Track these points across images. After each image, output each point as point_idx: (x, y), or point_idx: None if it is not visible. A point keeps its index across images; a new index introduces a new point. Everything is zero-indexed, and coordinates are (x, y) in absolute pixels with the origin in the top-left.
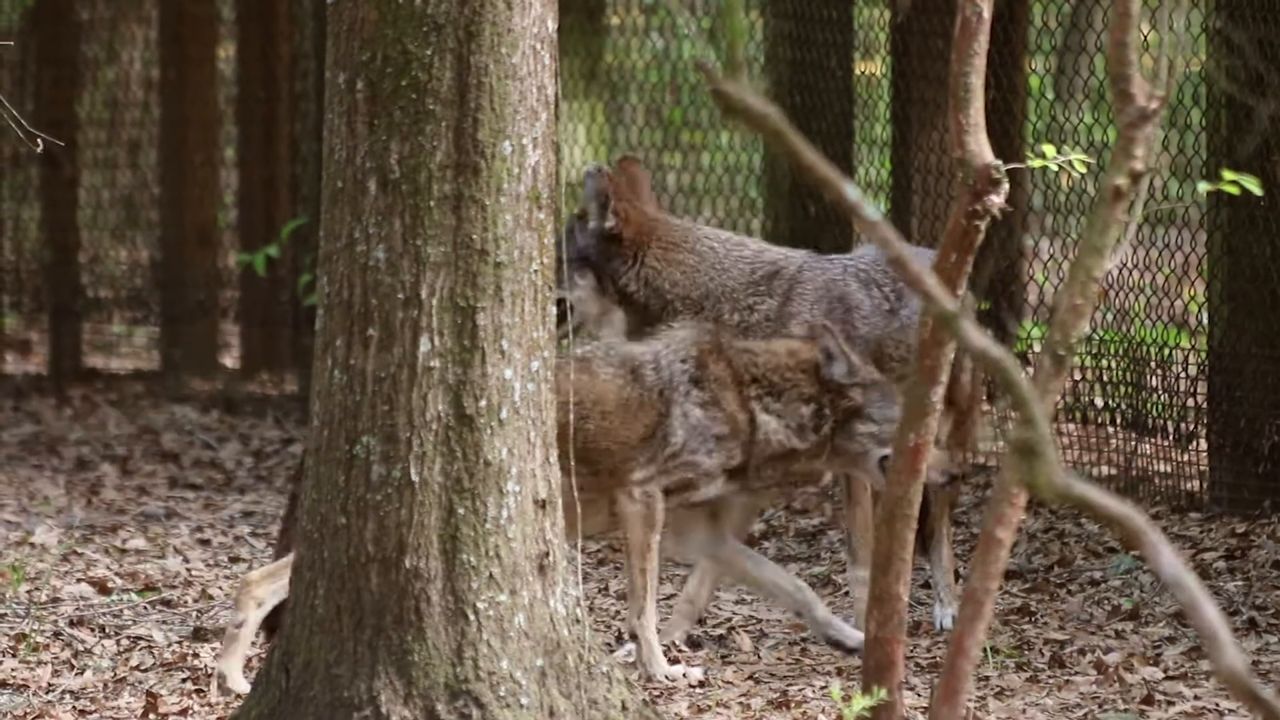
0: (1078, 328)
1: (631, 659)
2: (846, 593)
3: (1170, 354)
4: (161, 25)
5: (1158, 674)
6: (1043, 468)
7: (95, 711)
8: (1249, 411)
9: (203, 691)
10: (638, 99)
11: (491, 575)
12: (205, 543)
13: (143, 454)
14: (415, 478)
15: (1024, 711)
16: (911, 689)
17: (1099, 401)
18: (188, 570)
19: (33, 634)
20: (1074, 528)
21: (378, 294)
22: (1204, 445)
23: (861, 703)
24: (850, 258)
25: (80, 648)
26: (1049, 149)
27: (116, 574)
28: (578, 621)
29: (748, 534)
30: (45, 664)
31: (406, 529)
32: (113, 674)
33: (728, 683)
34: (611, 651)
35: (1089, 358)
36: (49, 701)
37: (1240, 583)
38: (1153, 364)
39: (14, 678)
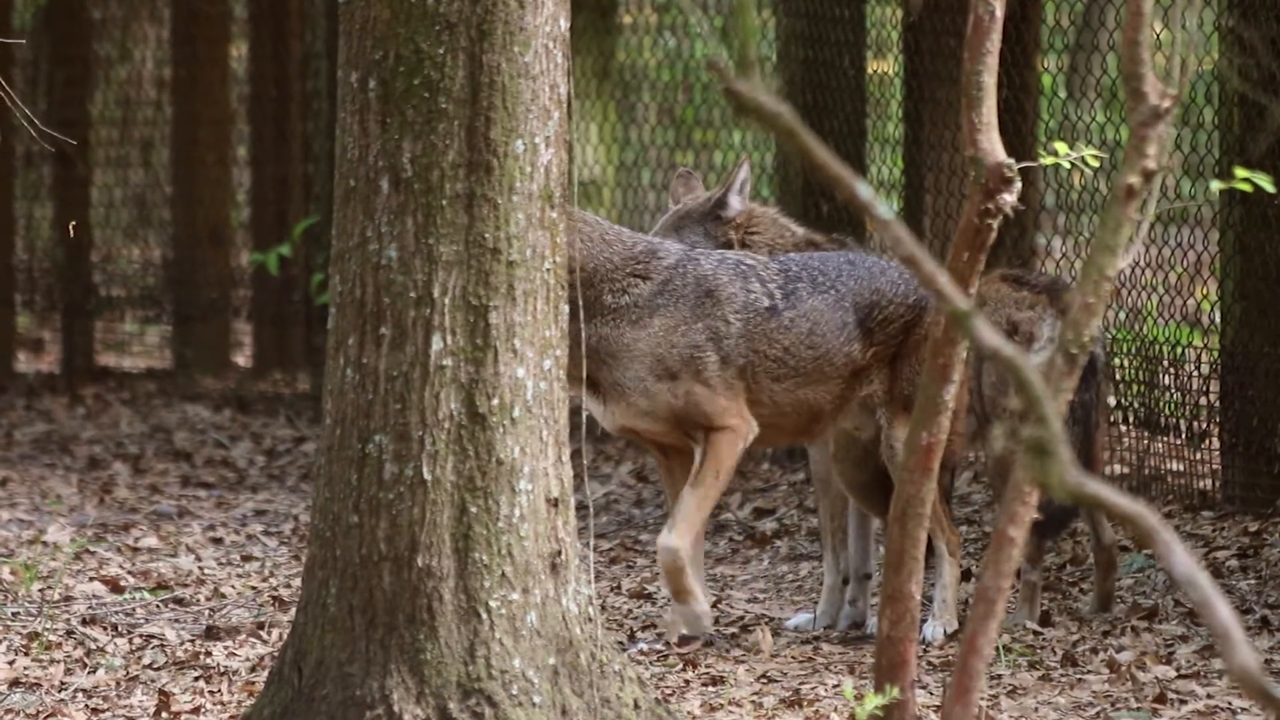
0: (1090, 326)
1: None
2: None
3: (1183, 353)
4: (174, 24)
5: (1170, 672)
6: (1055, 466)
7: (108, 710)
8: (1262, 410)
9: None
10: (650, 98)
11: (504, 574)
12: (218, 541)
13: (155, 453)
14: (427, 476)
15: (1036, 710)
16: (924, 688)
17: (1111, 400)
18: (200, 569)
19: (45, 632)
20: (1086, 526)
21: (390, 293)
22: (1216, 444)
23: (874, 701)
24: (737, 253)
25: (92, 646)
26: (1061, 147)
27: (129, 572)
28: (590, 620)
29: None
30: (58, 662)
31: (419, 527)
32: (125, 672)
33: (740, 681)
34: (624, 650)
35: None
36: (61, 700)
37: (1253, 581)
38: (1165, 363)
39: (26, 676)
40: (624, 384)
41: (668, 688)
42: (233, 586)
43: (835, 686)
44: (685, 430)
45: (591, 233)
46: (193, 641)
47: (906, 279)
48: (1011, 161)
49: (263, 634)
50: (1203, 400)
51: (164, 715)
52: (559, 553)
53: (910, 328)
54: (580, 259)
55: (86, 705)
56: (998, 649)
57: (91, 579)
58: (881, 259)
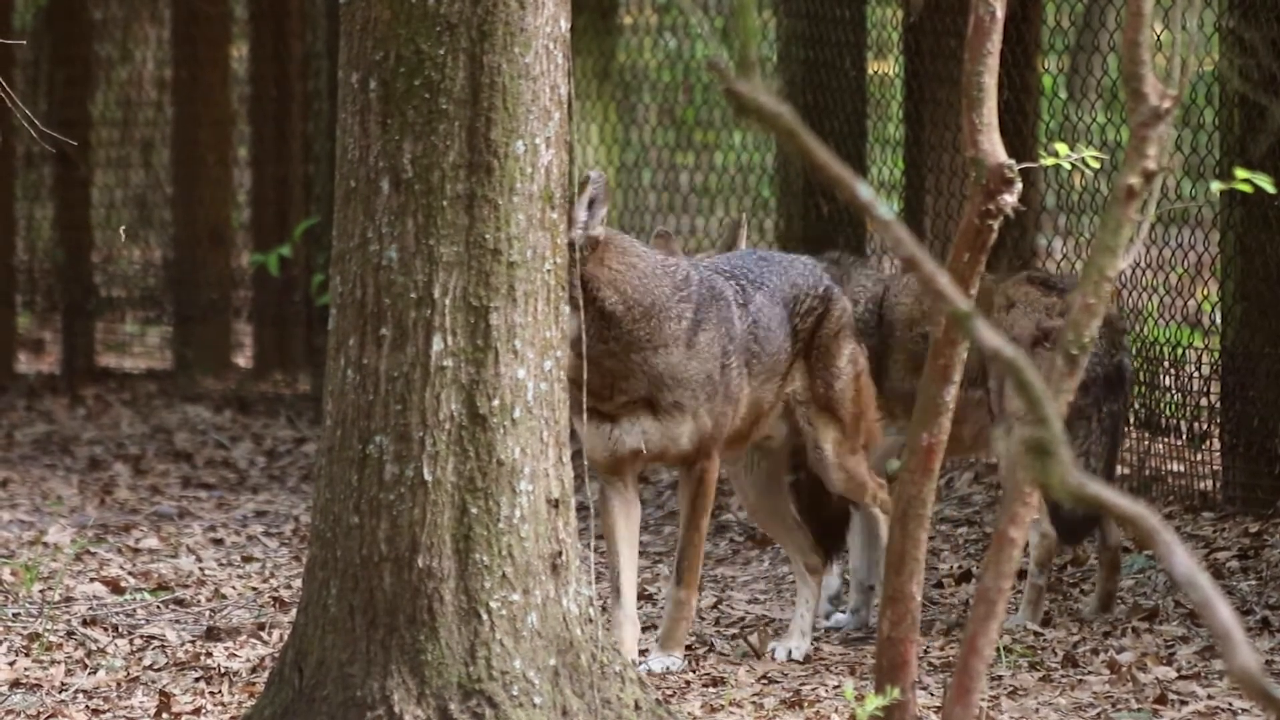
0: (1091, 327)
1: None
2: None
3: (1183, 353)
4: (174, 25)
5: (1171, 673)
6: (1056, 467)
7: (108, 711)
8: (1262, 411)
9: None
10: (650, 99)
11: (504, 575)
12: (218, 542)
13: (155, 453)
14: (428, 477)
15: (1037, 711)
16: (924, 688)
17: None
18: (201, 569)
19: (46, 633)
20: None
21: (390, 293)
22: (1217, 445)
23: (875, 702)
24: (705, 259)
25: (93, 647)
26: (1062, 148)
27: (129, 573)
28: (590, 621)
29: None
30: (58, 663)
31: (419, 528)
32: (125, 673)
33: (741, 682)
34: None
35: None
36: (62, 701)
37: (1253, 582)
38: (1166, 363)
39: (27, 677)
40: (684, 403)
41: (669, 688)
42: (233, 587)
43: (836, 687)
44: (685, 459)
45: (643, 265)
46: (193, 642)
47: (813, 270)
48: (1012, 162)
49: (263, 635)
50: (1203, 401)
51: (165, 716)
52: (560, 554)
53: (821, 319)
54: (639, 294)
55: (87, 706)
56: (998, 650)
57: (92, 580)
58: (785, 254)
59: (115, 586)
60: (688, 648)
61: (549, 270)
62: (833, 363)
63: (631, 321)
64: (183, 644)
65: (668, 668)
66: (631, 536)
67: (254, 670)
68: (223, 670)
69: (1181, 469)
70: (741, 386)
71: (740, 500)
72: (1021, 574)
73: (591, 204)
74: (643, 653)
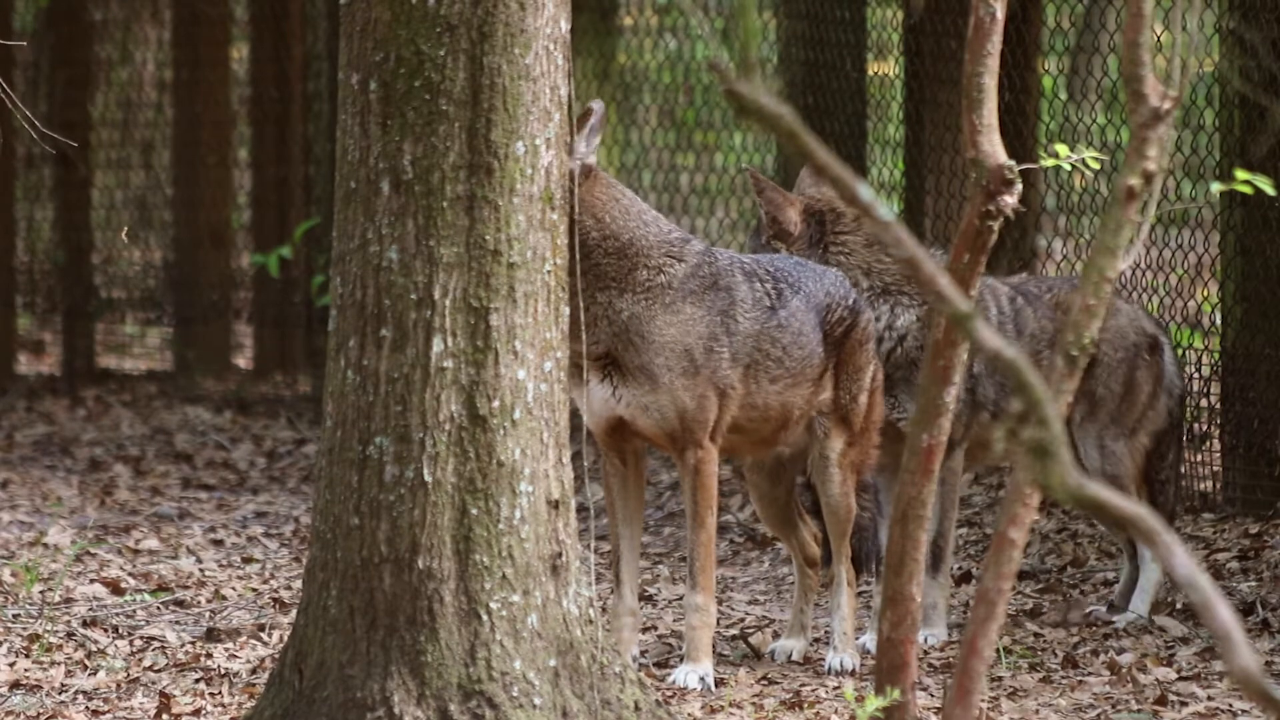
0: (1091, 328)
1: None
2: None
3: (1184, 355)
4: (175, 26)
5: (1171, 674)
6: (1056, 468)
7: (108, 712)
8: (1262, 412)
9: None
10: (651, 100)
11: (504, 576)
12: (218, 543)
13: (156, 454)
14: (428, 478)
15: (1037, 712)
16: (924, 689)
17: None
18: (201, 571)
19: (46, 634)
20: (1087, 528)
21: (391, 294)
22: (1217, 446)
23: (875, 703)
24: (737, 254)
25: (93, 648)
26: (1062, 149)
27: (129, 574)
28: (590, 622)
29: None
30: (58, 664)
31: (419, 529)
32: (126, 674)
33: (741, 682)
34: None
35: None
36: (62, 702)
37: (1253, 583)
38: None
39: (27, 678)
40: (654, 371)
41: (668, 690)
42: (233, 588)
43: (836, 688)
44: (674, 442)
45: (625, 202)
46: (193, 643)
47: (843, 280)
48: (1012, 163)
49: (263, 636)
50: (1203, 402)
51: (165, 717)
52: (560, 555)
53: (850, 330)
54: (616, 226)
55: (87, 707)
56: (998, 650)
57: (92, 581)
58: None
59: (115, 587)
60: None
61: (549, 271)
62: (859, 375)
63: (603, 255)
64: (183, 645)
65: (702, 678)
66: (630, 517)
67: (254, 671)
68: (223, 671)
69: (1182, 470)
70: (732, 381)
71: (750, 496)
72: (1023, 575)
73: (590, 134)
74: (642, 652)
